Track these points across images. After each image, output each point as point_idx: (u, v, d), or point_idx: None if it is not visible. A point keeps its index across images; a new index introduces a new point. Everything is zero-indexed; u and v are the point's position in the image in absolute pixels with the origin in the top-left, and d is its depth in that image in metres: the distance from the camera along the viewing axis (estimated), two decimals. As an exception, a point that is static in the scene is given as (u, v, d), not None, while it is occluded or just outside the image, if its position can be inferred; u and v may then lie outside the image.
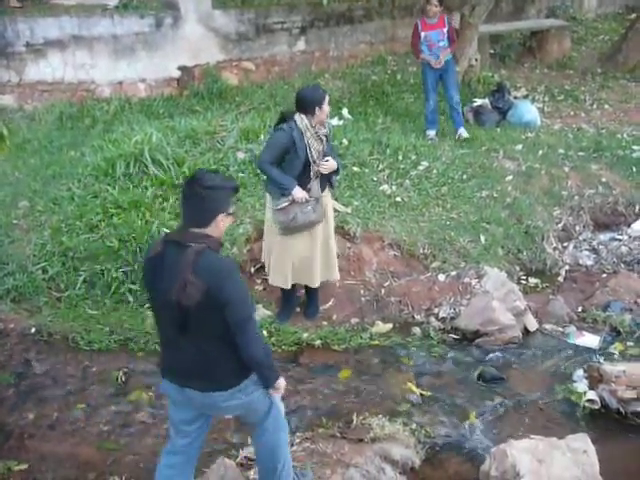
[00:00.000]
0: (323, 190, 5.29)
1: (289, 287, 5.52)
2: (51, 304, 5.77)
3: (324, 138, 5.11)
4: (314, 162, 5.08)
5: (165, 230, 6.08)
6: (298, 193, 5.06)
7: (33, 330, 5.50)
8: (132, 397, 4.85)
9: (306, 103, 5.05)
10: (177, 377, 3.28)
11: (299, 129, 5.02)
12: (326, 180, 5.30)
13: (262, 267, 5.88)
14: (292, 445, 4.22)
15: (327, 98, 5.06)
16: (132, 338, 5.42)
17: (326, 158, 5.16)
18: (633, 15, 12.06)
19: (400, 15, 10.97)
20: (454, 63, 8.68)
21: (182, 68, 9.52)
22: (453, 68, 8.62)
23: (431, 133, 8.61)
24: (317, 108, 5.02)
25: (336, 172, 5.32)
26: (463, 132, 8.62)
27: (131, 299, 5.78)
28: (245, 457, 4.15)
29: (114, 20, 9.03)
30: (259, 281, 6.05)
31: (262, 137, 7.77)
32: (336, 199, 6.32)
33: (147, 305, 5.70)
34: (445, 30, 8.31)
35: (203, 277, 2.98)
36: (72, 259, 5.96)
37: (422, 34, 8.31)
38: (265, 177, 5.40)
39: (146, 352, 5.31)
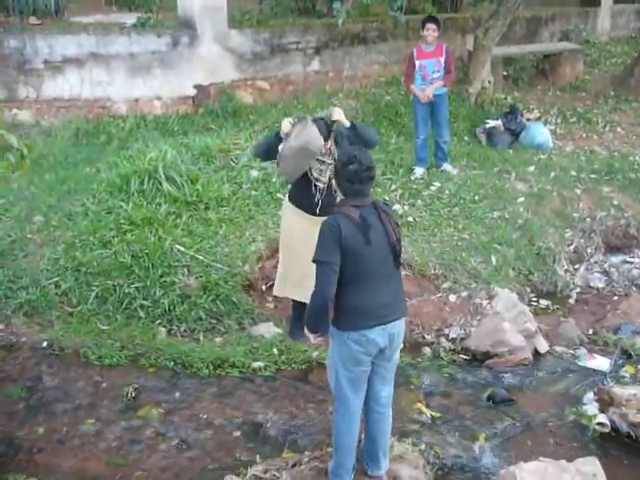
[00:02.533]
0: (329, 212, 5.29)
1: (298, 299, 5.53)
2: (63, 319, 5.81)
3: (327, 159, 5.07)
4: (316, 179, 5.09)
5: (178, 247, 6.15)
6: (284, 123, 4.88)
7: (45, 344, 5.54)
8: (142, 413, 4.86)
9: None
10: (391, 313, 3.76)
11: None
12: (332, 199, 5.31)
13: (272, 285, 5.89)
14: (301, 464, 4.22)
15: (330, 142, 4.98)
16: (143, 354, 5.44)
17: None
18: (646, 39, 12.11)
19: (414, 36, 10.99)
20: (447, 98, 8.09)
21: (198, 86, 9.61)
22: (445, 103, 8.04)
23: (419, 171, 8.01)
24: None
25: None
26: (447, 167, 8.15)
27: (142, 315, 5.80)
28: (254, 475, 4.15)
29: (131, 38, 9.14)
30: (270, 299, 6.08)
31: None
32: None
33: (158, 321, 5.76)
34: (442, 60, 7.70)
35: None
36: (85, 274, 6.01)
37: (417, 63, 7.75)
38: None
39: (157, 368, 5.33)
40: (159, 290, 5.87)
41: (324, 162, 5.09)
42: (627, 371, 5.52)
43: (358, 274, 3.65)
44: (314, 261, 3.66)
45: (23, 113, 8.84)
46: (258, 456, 4.35)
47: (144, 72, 9.26)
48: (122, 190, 6.88)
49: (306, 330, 3.86)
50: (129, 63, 9.15)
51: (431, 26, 7.60)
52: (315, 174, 5.07)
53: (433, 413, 4.93)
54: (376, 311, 3.71)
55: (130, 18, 10.15)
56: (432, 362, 5.62)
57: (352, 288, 3.66)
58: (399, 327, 3.85)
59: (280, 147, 4.40)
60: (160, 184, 6.88)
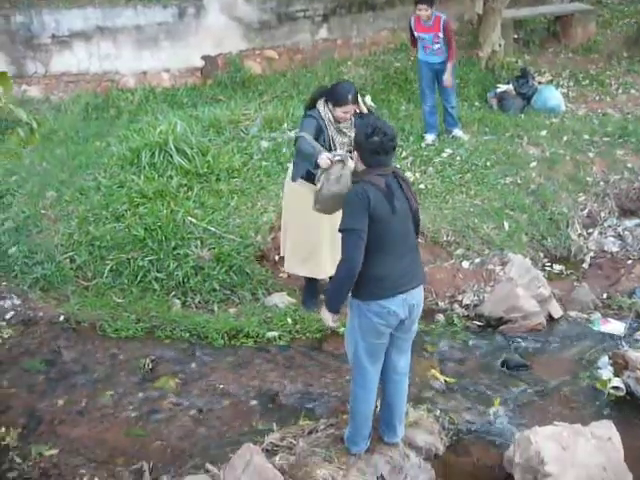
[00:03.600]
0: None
1: (306, 275, 5.55)
2: (79, 293, 5.87)
3: (347, 131, 5.09)
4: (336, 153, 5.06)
5: (190, 219, 6.17)
6: (323, 159, 4.71)
7: (62, 318, 5.60)
8: (159, 384, 4.92)
9: (330, 95, 5.06)
10: (411, 280, 3.76)
11: (322, 119, 5.04)
12: None
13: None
14: (317, 431, 4.27)
15: (349, 106, 4.95)
16: (158, 326, 5.48)
17: None
18: (660, -3, 11.88)
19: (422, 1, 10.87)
20: (454, 64, 7.88)
21: (205, 57, 9.55)
22: (452, 69, 7.85)
23: (430, 137, 7.95)
24: (333, 105, 5.01)
25: None
26: (458, 132, 8.06)
27: (157, 287, 5.84)
28: (271, 443, 4.19)
29: (137, 10, 9.08)
30: (283, 269, 6.09)
31: (285, 125, 7.81)
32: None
33: (173, 294, 5.80)
34: (440, 34, 7.51)
35: None
36: (99, 248, 6.04)
37: (416, 34, 7.70)
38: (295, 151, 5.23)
39: (172, 339, 5.38)
40: (173, 262, 5.90)
41: (345, 134, 5.07)
42: (642, 334, 5.52)
43: (383, 243, 3.64)
44: (341, 230, 3.64)
45: (32, 89, 8.85)
46: (275, 424, 4.40)
47: (151, 44, 9.21)
48: (133, 163, 6.90)
49: (325, 312, 3.80)
50: (136, 36, 9.11)
51: (422, 6, 7.40)
52: (338, 149, 5.03)
53: (448, 379, 4.96)
54: (398, 280, 3.70)
55: (136, -10, 10.07)
56: (446, 329, 5.63)
57: (376, 258, 3.64)
58: (418, 297, 3.84)
59: (319, 185, 4.21)
60: (171, 157, 6.88)
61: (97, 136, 7.94)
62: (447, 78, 7.68)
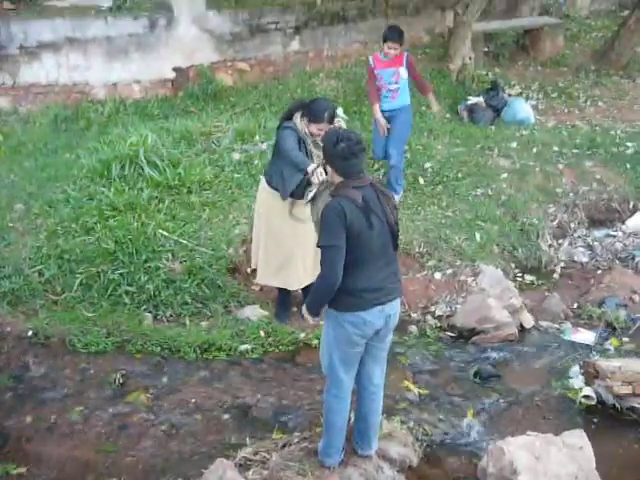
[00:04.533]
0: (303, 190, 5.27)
1: (279, 286, 5.54)
2: (48, 307, 5.77)
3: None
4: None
5: (162, 231, 6.12)
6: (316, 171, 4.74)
7: (30, 333, 5.50)
8: (130, 399, 4.85)
9: (307, 110, 5.05)
10: (388, 293, 3.77)
11: (299, 132, 5.05)
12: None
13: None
14: (290, 445, 4.24)
15: (324, 124, 4.90)
16: (129, 340, 5.41)
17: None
18: (626, 12, 12.07)
19: (394, 14, 10.94)
20: (409, 111, 7.10)
21: (176, 69, 9.50)
22: (405, 118, 7.00)
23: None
24: (308, 120, 5.01)
25: None
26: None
27: (128, 301, 5.77)
28: (244, 457, 4.16)
29: (107, 22, 9.00)
30: (255, 281, 6.06)
31: (257, 137, 7.79)
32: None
33: (144, 307, 5.74)
34: (401, 70, 6.77)
35: None
36: (68, 262, 5.96)
37: (376, 72, 6.85)
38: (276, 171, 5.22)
39: (144, 353, 5.31)
40: (144, 275, 5.84)
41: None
42: (612, 344, 5.58)
43: (359, 257, 3.64)
44: (320, 246, 3.64)
45: (0, 100, 8.71)
46: (248, 438, 4.37)
47: (122, 56, 9.13)
48: (103, 176, 6.82)
49: (305, 312, 3.87)
50: (106, 47, 9.02)
51: (393, 45, 6.66)
52: (315, 162, 5.01)
53: (421, 390, 4.97)
54: (375, 293, 3.72)
55: (106, 1, 9.99)
56: (419, 340, 5.64)
57: (353, 271, 3.65)
58: (395, 308, 3.86)
59: (313, 198, 4.11)
60: (142, 169, 6.83)
61: (66, 148, 7.85)
62: (435, 106, 7.36)
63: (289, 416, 4.67)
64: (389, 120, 6.94)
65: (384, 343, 3.96)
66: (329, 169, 3.81)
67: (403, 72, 6.81)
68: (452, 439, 4.53)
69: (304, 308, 3.89)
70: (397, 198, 6.97)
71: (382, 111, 6.89)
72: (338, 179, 3.74)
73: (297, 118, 5.10)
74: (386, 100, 6.90)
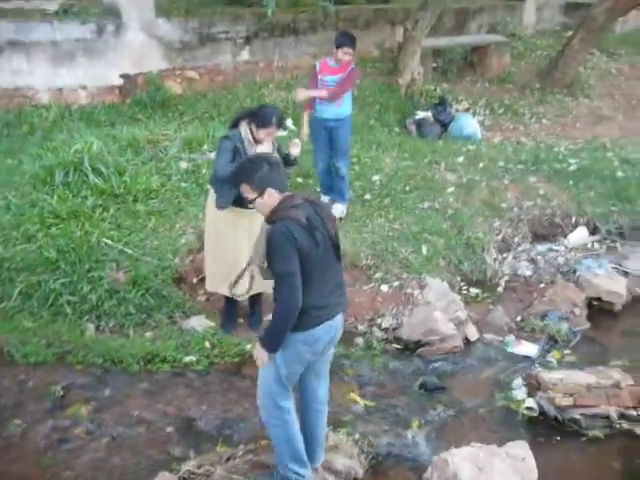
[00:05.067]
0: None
1: (226, 294, 5.49)
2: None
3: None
4: None
5: (106, 240, 6.01)
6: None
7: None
8: (70, 411, 4.73)
9: (255, 116, 5.09)
10: (335, 306, 3.77)
11: (242, 140, 5.05)
12: None
13: (204, 278, 5.81)
14: (235, 458, 4.19)
15: (272, 128, 5.01)
16: (70, 351, 5.28)
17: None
18: (569, 32, 12.40)
19: (344, 27, 11.00)
20: (351, 121, 7.03)
21: (124, 76, 9.37)
22: (348, 128, 6.93)
23: (340, 208, 6.92)
24: (257, 126, 5.05)
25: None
26: (338, 209, 6.89)
27: (69, 311, 5.63)
28: (188, 470, 4.09)
29: (53, 26, 8.83)
30: (202, 292, 5.99)
31: (205, 146, 7.73)
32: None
33: (86, 317, 5.61)
34: (345, 75, 6.65)
35: None
36: (8, 270, 5.78)
37: (319, 76, 6.70)
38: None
39: (85, 365, 5.18)
40: (86, 285, 5.71)
41: None
42: (554, 356, 5.69)
43: (310, 275, 3.60)
44: (275, 274, 3.56)
45: (-61, 103, 8.47)
46: (192, 451, 4.32)
47: (68, 61, 8.96)
48: (46, 183, 6.67)
49: (260, 351, 3.70)
50: (51, 51, 8.84)
51: (349, 50, 6.58)
52: None
53: (367, 402, 4.97)
54: (324, 308, 3.70)
55: (52, 5, 9.81)
56: (365, 352, 5.65)
57: (303, 290, 3.58)
58: (341, 321, 3.86)
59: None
60: (86, 176, 6.70)
61: (8, 153, 7.65)
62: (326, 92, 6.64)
63: (234, 429, 4.62)
64: (331, 130, 6.80)
65: (327, 357, 3.95)
66: (258, 200, 3.68)
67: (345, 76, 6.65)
68: (397, 451, 4.54)
69: (258, 345, 3.72)
70: (344, 206, 7.08)
71: (324, 119, 6.75)
72: (271, 203, 3.65)
73: (242, 126, 5.14)
74: (331, 107, 6.70)
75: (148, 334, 5.59)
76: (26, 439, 4.48)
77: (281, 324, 3.61)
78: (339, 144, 6.87)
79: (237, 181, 3.75)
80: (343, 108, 6.80)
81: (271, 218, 3.66)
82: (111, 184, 6.67)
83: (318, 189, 7.27)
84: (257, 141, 5.08)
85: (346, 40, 6.65)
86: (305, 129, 6.91)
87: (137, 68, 9.41)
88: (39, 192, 6.56)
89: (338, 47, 6.61)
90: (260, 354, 3.71)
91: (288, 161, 5.28)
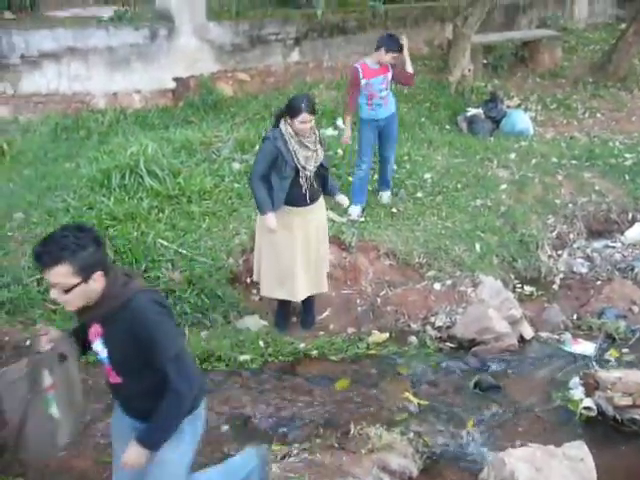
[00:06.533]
0: (317, 199, 5.31)
1: (284, 298, 5.54)
2: (46, 316, 5.73)
3: (312, 146, 5.12)
4: (303, 168, 5.10)
5: (161, 241, 6.12)
6: (271, 222, 5.13)
7: (28, 343, 5.47)
8: (129, 409, 4.82)
9: (287, 109, 5.14)
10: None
11: (283, 136, 5.09)
12: (320, 186, 5.32)
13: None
14: (290, 456, 4.22)
15: (304, 115, 5.00)
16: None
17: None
18: (623, 25, 12.14)
19: (393, 26, 11.00)
20: (396, 117, 7.15)
21: (177, 79, 9.53)
22: (396, 123, 7.11)
23: (356, 210, 6.89)
24: (291, 118, 5.08)
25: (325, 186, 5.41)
26: (385, 196, 7.23)
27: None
28: (243, 468, 4.14)
29: (109, 32, 9.04)
30: (255, 291, 6.05)
31: (257, 147, 7.78)
32: (331, 209, 6.34)
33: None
34: (389, 76, 6.77)
35: None
36: (67, 271, 5.93)
37: (362, 81, 6.71)
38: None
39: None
40: (143, 285, 5.82)
41: (309, 148, 5.09)
42: (611, 355, 5.57)
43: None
44: (166, 359, 2.93)
45: (1, 109, 8.72)
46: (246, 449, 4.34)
47: (123, 66, 9.16)
48: (103, 185, 6.82)
49: (139, 452, 3.01)
50: (107, 57, 9.05)
51: (395, 55, 6.71)
52: (302, 162, 5.07)
53: (421, 401, 4.94)
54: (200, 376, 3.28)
55: (107, 11, 10.02)
56: (419, 351, 5.63)
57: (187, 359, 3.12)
58: None
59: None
60: (142, 178, 6.82)
61: (66, 157, 7.84)
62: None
63: (288, 427, 4.65)
64: (384, 127, 6.93)
65: None
66: (93, 285, 2.86)
67: (389, 76, 6.80)
68: (452, 450, 4.50)
69: (135, 446, 3.01)
70: (386, 195, 7.25)
71: (376, 120, 6.87)
72: (101, 282, 2.90)
73: (282, 123, 5.18)
74: (379, 109, 6.83)
75: (203, 333, 5.66)
76: (86, 436, 4.57)
77: (177, 414, 3.00)
78: (390, 138, 7.04)
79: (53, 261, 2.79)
80: (390, 105, 6.95)
81: (111, 302, 2.92)
82: (166, 186, 6.79)
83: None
84: (297, 133, 5.09)
85: (395, 45, 6.70)
86: (348, 132, 6.99)
87: (189, 71, 9.56)
88: (96, 194, 6.71)
89: (387, 51, 6.65)
90: (137, 454, 3.03)
91: (322, 167, 5.29)
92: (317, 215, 5.36)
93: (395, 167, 7.41)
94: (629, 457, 4.55)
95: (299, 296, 5.48)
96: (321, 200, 5.40)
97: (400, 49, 6.75)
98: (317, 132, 5.26)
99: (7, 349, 5.43)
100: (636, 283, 6.49)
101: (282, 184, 5.12)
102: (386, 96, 6.85)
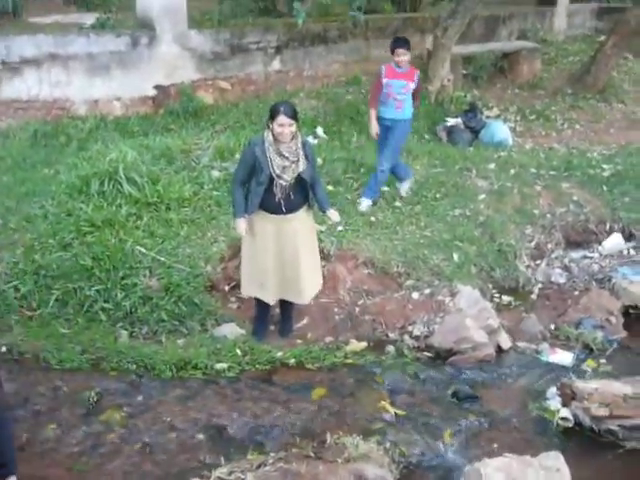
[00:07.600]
0: (300, 207, 5.28)
1: (256, 296, 5.53)
2: (22, 323, 5.69)
3: (290, 156, 5.08)
4: (278, 177, 5.08)
5: (139, 248, 6.09)
6: (240, 226, 5.21)
7: (4, 349, 5.42)
8: (104, 417, 4.77)
9: (269, 113, 5.14)
10: None
11: (263, 143, 5.09)
12: (302, 197, 5.29)
13: (236, 285, 5.86)
14: (266, 465, 4.20)
15: (281, 117, 4.97)
16: (104, 357, 5.34)
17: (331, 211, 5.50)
18: (602, 37, 12.29)
19: (374, 36, 11.09)
20: (409, 125, 7.34)
21: (158, 87, 9.51)
22: (402, 131, 7.19)
23: (366, 202, 7.24)
24: (271, 120, 5.07)
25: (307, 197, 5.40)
26: (364, 203, 7.24)
27: (104, 317, 5.71)
28: (218, 477, 4.11)
29: (90, 39, 9.00)
30: (233, 299, 6.04)
31: (237, 156, 7.78)
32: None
33: (120, 324, 5.69)
34: (412, 84, 7.01)
35: None
36: (44, 277, 5.89)
37: (384, 81, 6.98)
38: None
39: (119, 371, 5.24)
40: (120, 292, 5.79)
41: (287, 158, 5.07)
42: (589, 365, 5.61)
43: None
44: None
45: (-21, 115, 8.66)
46: (222, 458, 4.32)
47: (103, 73, 9.13)
48: (82, 192, 6.78)
49: None
50: (88, 64, 9.01)
51: (402, 51, 6.89)
52: (277, 171, 5.05)
53: (398, 411, 4.94)
54: None
55: (89, 18, 10.02)
56: (396, 360, 5.62)
57: None
58: None
59: None
60: (121, 185, 6.79)
61: (45, 163, 7.80)
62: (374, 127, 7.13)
63: (265, 436, 4.63)
64: (387, 129, 7.10)
65: None
66: None
67: (412, 87, 7.04)
68: (429, 460, 4.50)
69: None
70: (365, 201, 7.27)
71: (383, 118, 7.09)
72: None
73: (265, 130, 5.18)
74: (391, 108, 7.07)
75: (180, 341, 5.64)
76: (61, 444, 4.53)
77: None
78: (389, 143, 7.16)
79: None
80: (403, 110, 7.10)
81: None
82: (145, 193, 6.76)
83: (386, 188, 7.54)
84: (276, 138, 5.06)
85: (399, 42, 6.99)
86: (374, 126, 7.12)
87: (170, 79, 9.56)
88: (75, 201, 6.67)
89: (393, 51, 6.96)
90: None
91: (304, 181, 5.23)
92: (294, 225, 5.28)
93: (384, 178, 7.33)
94: (605, 468, 4.58)
95: (267, 298, 5.48)
96: (302, 212, 5.33)
97: (404, 44, 6.94)
98: (300, 145, 5.16)
99: (-18, 356, 5.37)
100: (614, 294, 6.52)
101: (257, 189, 5.12)
102: (402, 100, 7.04)
